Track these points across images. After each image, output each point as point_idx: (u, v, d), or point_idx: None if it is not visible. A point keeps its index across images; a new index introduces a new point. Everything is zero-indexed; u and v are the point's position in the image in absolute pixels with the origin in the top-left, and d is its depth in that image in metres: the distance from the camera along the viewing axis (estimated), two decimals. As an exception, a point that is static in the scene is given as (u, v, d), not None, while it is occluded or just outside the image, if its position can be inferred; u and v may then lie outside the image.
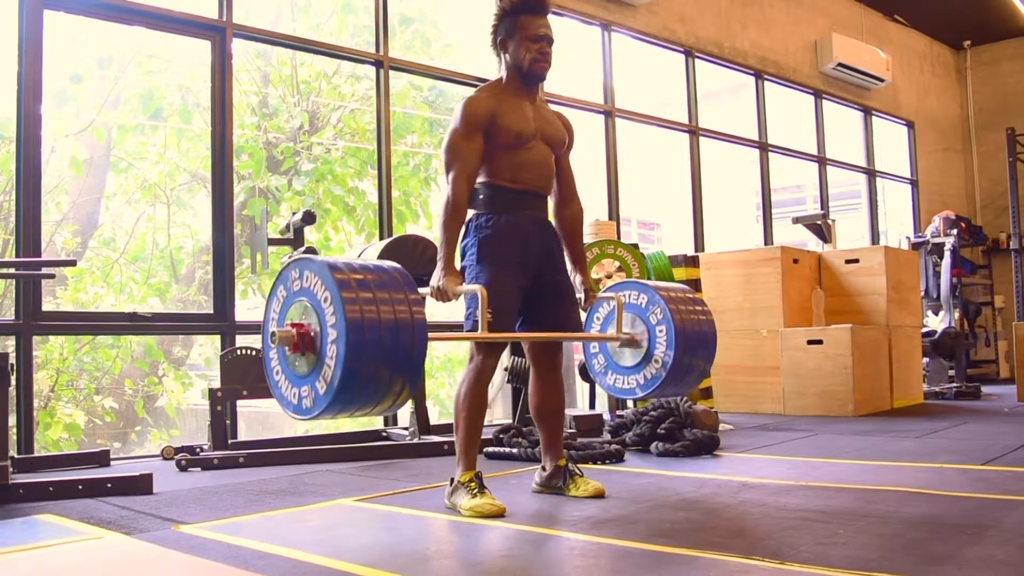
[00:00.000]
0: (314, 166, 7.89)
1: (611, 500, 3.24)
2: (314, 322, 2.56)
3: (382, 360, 2.52)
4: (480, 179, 3.20)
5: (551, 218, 3.43)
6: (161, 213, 7.52)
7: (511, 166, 3.20)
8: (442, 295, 3.04)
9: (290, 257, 4.95)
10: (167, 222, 7.53)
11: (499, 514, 2.95)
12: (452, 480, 3.16)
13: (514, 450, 4.45)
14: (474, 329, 3.02)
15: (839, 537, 2.55)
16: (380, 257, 4.72)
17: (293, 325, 2.60)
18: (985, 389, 8.42)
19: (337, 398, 2.50)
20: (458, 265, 3.21)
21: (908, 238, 10.15)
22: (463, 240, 3.23)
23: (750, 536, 2.62)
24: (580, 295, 3.44)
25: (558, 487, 3.36)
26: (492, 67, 6.92)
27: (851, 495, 3.27)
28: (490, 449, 4.53)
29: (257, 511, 3.20)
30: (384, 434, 5.32)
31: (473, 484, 3.06)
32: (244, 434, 6.06)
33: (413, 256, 4.78)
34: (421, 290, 2.87)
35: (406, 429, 5.21)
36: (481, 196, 3.21)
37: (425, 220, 8.12)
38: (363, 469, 4.24)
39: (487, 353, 3.15)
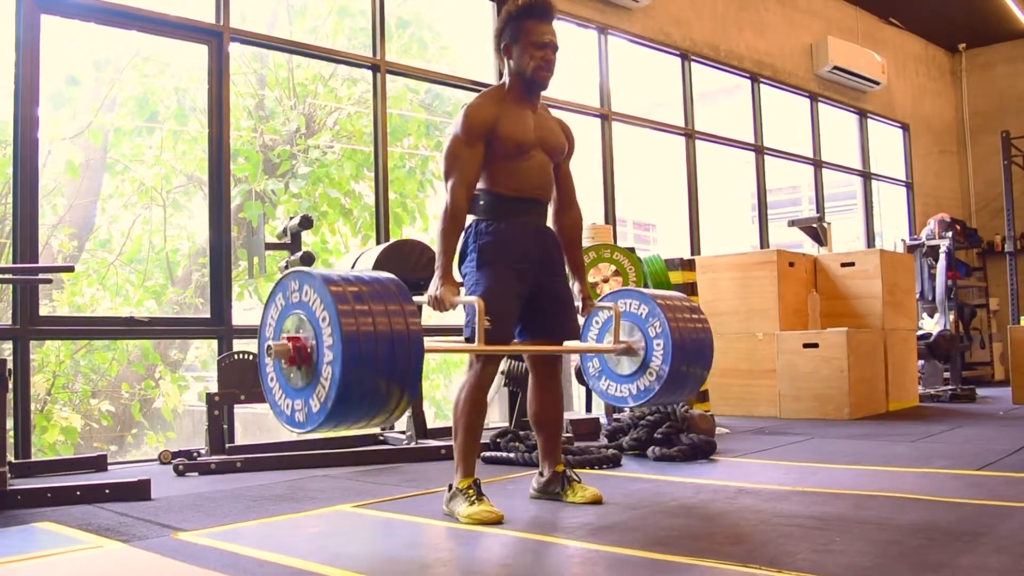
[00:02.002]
0: (311, 169, 7.89)
1: (608, 506, 3.25)
2: (310, 336, 2.59)
3: (378, 376, 2.56)
4: (480, 186, 3.20)
5: (550, 224, 3.44)
6: (157, 215, 7.53)
7: (511, 175, 3.20)
8: (440, 304, 3.04)
9: (287, 263, 4.95)
10: (163, 224, 7.53)
11: (497, 521, 2.96)
12: (450, 486, 3.17)
13: (511, 454, 4.46)
14: (472, 338, 3.04)
15: (835, 544, 2.56)
16: (377, 263, 4.73)
17: (290, 339, 2.62)
18: (980, 391, 8.45)
19: (331, 416, 2.55)
20: (456, 272, 3.21)
21: (903, 240, 10.18)
22: (462, 246, 3.23)
23: (747, 543, 2.64)
24: (578, 303, 3.45)
25: (556, 493, 3.37)
26: (489, 71, 6.95)
27: (847, 501, 3.28)
28: (487, 454, 4.54)
29: (255, 517, 3.20)
30: (381, 438, 5.32)
31: (471, 491, 3.07)
32: (240, 437, 6.07)
33: (410, 261, 4.78)
34: (417, 299, 2.88)
35: (403, 433, 5.21)
36: (481, 203, 3.21)
37: (422, 222, 8.13)
38: (361, 474, 4.25)
39: (487, 361, 3.16)
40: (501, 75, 3.35)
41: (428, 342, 2.72)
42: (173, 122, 7.35)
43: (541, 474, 3.45)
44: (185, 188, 7.55)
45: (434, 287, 3.07)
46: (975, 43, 12.06)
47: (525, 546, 2.72)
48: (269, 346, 2.65)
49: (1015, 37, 11.58)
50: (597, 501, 3.28)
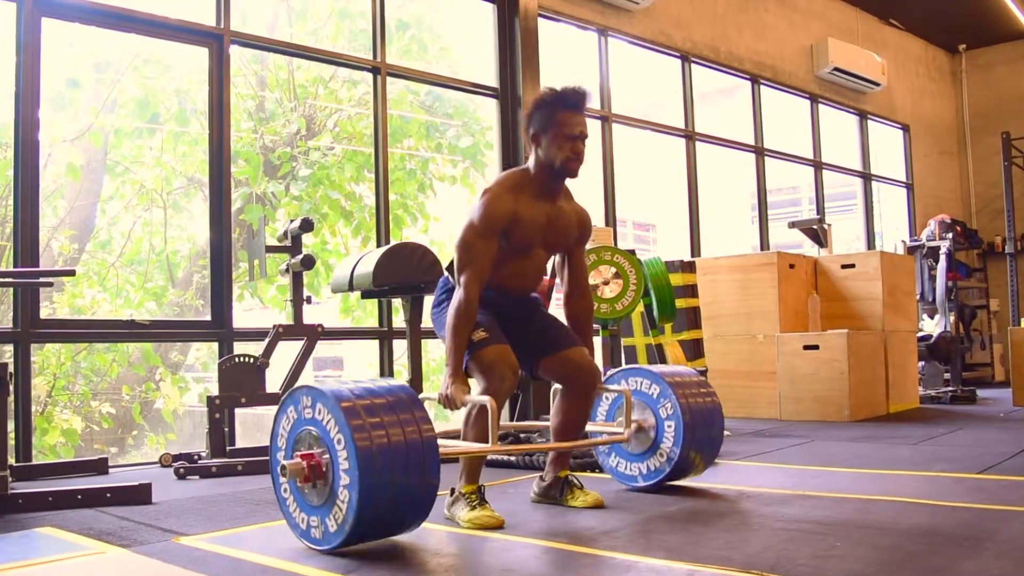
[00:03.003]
0: (311, 171, 7.89)
1: (610, 511, 3.25)
2: (324, 453, 2.61)
3: (395, 493, 2.58)
4: None
5: (561, 307, 3.49)
6: (157, 217, 7.53)
7: (507, 271, 3.21)
8: (450, 404, 3.03)
9: (287, 265, 4.95)
10: (163, 226, 7.53)
11: (498, 526, 2.96)
12: (453, 491, 3.17)
13: (512, 458, 4.46)
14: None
15: (837, 550, 2.56)
16: (378, 266, 4.72)
17: (303, 456, 2.63)
18: (981, 393, 8.45)
19: (349, 538, 2.58)
20: (429, 313, 3.28)
21: (904, 242, 10.18)
22: (435, 297, 3.33)
23: (748, 548, 2.63)
24: None
25: (556, 498, 3.37)
26: (489, 72, 6.93)
27: (848, 505, 3.28)
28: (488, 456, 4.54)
29: (256, 522, 3.20)
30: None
31: (474, 496, 3.07)
32: (240, 438, 6.05)
33: (411, 264, 4.78)
34: (426, 397, 2.96)
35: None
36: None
37: (423, 222, 8.13)
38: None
39: (502, 377, 3.11)
40: (526, 159, 3.31)
41: (442, 446, 2.79)
42: (174, 124, 7.36)
43: (542, 478, 3.46)
44: (185, 190, 7.56)
45: (445, 386, 3.05)
46: (975, 44, 12.06)
47: (527, 551, 2.72)
48: (283, 466, 2.65)
49: (1014, 38, 11.58)
50: (598, 505, 3.28)
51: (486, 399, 2.94)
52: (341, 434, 2.54)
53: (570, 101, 3.18)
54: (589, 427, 3.55)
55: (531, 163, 3.23)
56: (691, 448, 3.51)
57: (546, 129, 3.16)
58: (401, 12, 7.69)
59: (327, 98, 8.22)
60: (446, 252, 8.16)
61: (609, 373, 3.78)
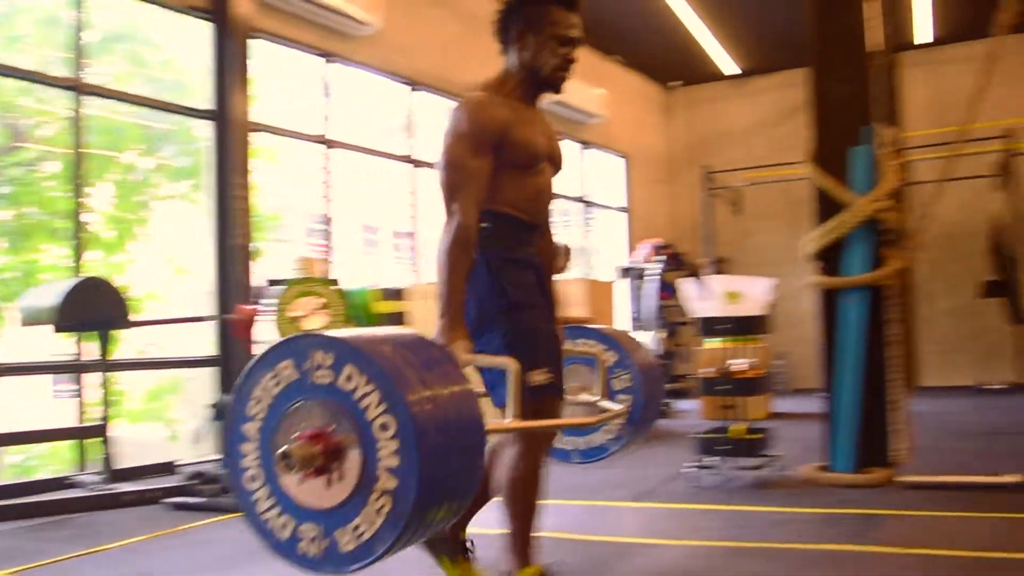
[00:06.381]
0: (13, 189, 7.40)
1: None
2: (350, 435, 1.86)
3: (451, 484, 1.91)
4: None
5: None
6: None
7: (518, 192, 2.62)
8: None
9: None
10: None
11: None
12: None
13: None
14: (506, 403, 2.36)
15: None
16: (66, 299, 4.52)
17: (313, 437, 1.87)
18: (682, 405, 9.06)
19: (390, 548, 1.83)
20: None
21: (618, 266, 10.83)
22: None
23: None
24: None
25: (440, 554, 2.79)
26: (208, 91, 6.72)
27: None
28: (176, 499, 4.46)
29: None
30: (68, 481, 5.05)
31: None
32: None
33: (96, 301, 4.62)
34: None
35: (98, 474, 4.96)
36: (486, 225, 2.57)
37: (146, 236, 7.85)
38: (33, 529, 4.02)
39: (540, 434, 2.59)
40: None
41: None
42: None
43: None
44: None
45: (442, 340, 2.41)
46: (687, 81, 13.10)
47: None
48: (286, 452, 1.86)
49: (716, 79, 12.72)
50: None
51: (506, 360, 2.32)
52: (391, 416, 1.81)
53: None
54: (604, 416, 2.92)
55: (509, 67, 2.69)
56: (641, 426, 2.99)
57: (535, 29, 2.61)
58: (113, 23, 7.35)
59: (33, 112, 7.71)
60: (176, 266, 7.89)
61: None
